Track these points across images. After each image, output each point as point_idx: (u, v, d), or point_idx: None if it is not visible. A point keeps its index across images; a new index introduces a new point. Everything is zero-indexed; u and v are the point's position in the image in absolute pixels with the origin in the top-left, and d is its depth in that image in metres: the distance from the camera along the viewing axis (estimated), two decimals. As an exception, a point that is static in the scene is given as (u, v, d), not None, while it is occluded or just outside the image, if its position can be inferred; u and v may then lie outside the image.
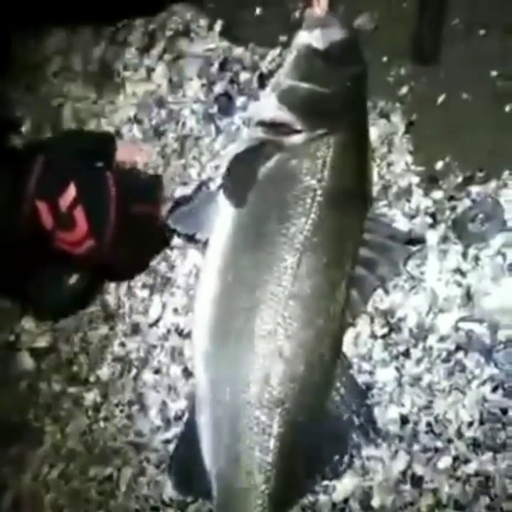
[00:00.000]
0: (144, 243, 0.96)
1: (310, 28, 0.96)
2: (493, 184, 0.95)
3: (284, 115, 0.94)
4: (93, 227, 0.87)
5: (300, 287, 0.88)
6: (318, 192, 0.90)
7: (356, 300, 0.92)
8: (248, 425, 0.87)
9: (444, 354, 0.90)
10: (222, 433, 0.89)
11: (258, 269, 0.89)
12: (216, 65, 1.24)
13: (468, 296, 0.91)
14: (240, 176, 0.93)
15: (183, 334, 1.03)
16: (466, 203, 0.96)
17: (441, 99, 1.04)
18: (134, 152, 0.96)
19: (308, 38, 0.96)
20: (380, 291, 0.94)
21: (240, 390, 0.87)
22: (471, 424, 0.87)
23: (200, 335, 0.91)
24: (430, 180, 1.01)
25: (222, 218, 0.93)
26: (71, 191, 0.85)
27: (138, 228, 0.93)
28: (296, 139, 0.94)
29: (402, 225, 0.99)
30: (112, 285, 1.13)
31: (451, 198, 0.98)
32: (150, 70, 1.28)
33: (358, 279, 0.91)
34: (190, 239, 1.00)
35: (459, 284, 0.92)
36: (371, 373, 0.92)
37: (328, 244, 0.89)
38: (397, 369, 0.91)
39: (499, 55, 1.02)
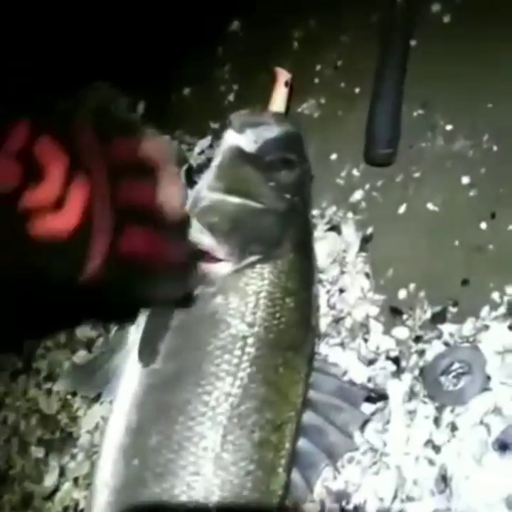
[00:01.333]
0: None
1: (239, 128, 0.77)
2: (470, 324, 0.75)
3: (205, 240, 0.74)
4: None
5: (224, 477, 0.67)
6: (250, 341, 0.70)
7: (299, 485, 0.71)
8: None
9: None
10: None
11: (171, 452, 0.67)
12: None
13: (444, 480, 0.69)
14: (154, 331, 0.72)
15: (82, 519, 0.80)
16: (437, 346, 0.76)
17: (402, 208, 0.84)
18: None
19: (236, 139, 0.77)
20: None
21: None
22: None
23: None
24: (392, 313, 0.80)
25: (127, 376, 0.71)
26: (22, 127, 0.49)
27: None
28: (222, 268, 0.73)
29: (358, 373, 0.78)
30: (2, 439, 0.90)
31: (417, 339, 0.77)
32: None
33: (300, 455, 0.70)
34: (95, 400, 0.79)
35: (432, 462, 0.70)
36: None
37: (261, 414, 0.68)
38: None
39: (471, 157, 0.83)
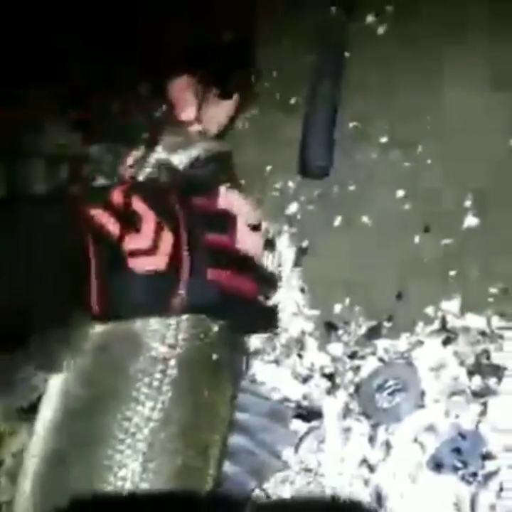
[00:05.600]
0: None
1: (170, 147, 0.75)
2: (404, 340, 0.74)
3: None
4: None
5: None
6: (171, 363, 0.66)
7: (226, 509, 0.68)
8: None
9: None
10: None
11: (89, 482, 0.64)
12: (66, 167, 0.99)
13: (379, 500, 0.68)
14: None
15: None
16: (372, 362, 0.74)
17: (337, 221, 0.83)
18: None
19: (166, 155, 0.75)
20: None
21: None
22: None
23: None
24: (327, 329, 0.79)
25: (46, 400, 0.68)
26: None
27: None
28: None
29: (292, 390, 0.75)
30: None
31: (352, 355, 0.76)
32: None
33: (227, 479, 0.68)
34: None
35: (366, 482, 0.69)
36: None
37: (184, 439, 0.65)
38: None
39: (406, 169, 0.82)
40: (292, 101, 0.92)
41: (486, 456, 0.67)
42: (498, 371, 0.70)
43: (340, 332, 0.78)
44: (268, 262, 0.83)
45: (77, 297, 0.64)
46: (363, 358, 0.76)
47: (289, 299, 0.82)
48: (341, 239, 0.83)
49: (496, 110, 0.82)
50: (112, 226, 0.64)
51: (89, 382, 0.67)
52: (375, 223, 0.82)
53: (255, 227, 0.75)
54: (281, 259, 0.84)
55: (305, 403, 0.76)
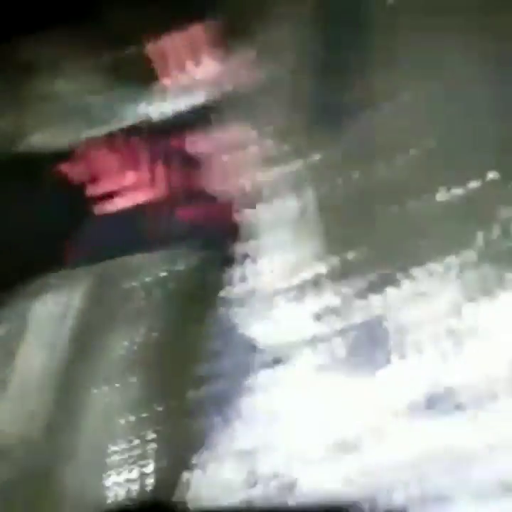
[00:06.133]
0: None
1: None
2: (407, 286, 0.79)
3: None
4: None
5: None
6: (155, 292, 0.75)
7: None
8: None
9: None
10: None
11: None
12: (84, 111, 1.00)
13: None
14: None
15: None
16: (379, 309, 0.80)
17: (355, 175, 0.88)
18: None
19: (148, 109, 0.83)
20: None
21: None
22: None
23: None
24: (340, 274, 0.84)
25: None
26: None
27: None
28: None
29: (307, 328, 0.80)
30: None
31: (361, 296, 0.81)
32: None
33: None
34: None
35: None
36: None
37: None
38: None
39: (412, 131, 0.87)
40: (304, 59, 0.95)
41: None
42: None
43: (351, 277, 0.83)
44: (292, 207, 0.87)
45: (56, 250, 0.67)
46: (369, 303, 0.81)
47: (304, 245, 0.86)
48: (356, 193, 0.87)
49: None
50: (80, 177, 0.67)
51: (76, 315, 0.74)
52: (390, 174, 0.86)
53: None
54: (301, 207, 0.88)
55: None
